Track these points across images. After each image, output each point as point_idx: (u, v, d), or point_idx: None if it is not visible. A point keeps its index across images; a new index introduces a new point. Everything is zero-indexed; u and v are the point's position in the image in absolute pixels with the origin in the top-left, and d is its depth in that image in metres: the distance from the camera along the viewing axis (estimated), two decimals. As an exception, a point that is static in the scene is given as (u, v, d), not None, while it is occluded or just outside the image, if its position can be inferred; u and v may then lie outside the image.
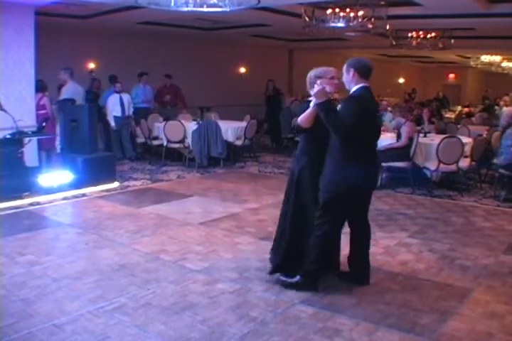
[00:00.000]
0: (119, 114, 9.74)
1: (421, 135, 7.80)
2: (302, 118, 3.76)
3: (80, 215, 6.33)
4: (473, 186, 7.96)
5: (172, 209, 6.38)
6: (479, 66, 17.54)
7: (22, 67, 7.35)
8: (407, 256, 4.79)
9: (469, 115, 14.37)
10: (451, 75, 24.72)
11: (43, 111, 8.06)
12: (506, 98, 13.75)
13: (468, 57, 17.04)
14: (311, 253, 3.79)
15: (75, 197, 6.94)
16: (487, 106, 16.48)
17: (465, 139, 7.78)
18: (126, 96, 9.89)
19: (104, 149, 10.04)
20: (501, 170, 7.17)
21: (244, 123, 9.84)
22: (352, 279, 4.05)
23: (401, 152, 7.39)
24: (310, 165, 3.83)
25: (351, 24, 8.02)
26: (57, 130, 8.36)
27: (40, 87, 7.99)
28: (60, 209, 6.37)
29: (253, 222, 5.85)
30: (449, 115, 15.23)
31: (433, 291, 3.97)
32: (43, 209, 6.28)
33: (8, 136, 6.52)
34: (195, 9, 5.42)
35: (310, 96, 3.94)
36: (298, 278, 3.88)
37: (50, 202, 6.61)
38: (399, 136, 7.62)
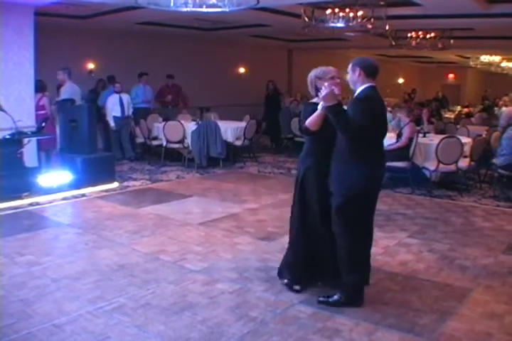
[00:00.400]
0: (118, 114, 9.74)
1: (420, 135, 7.79)
2: (310, 122, 3.68)
3: (79, 215, 6.33)
4: (473, 186, 7.96)
5: (171, 210, 6.38)
6: (479, 66, 17.55)
7: (21, 67, 7.35)
8: (407, 256, 4.80)
9: (469, 115, 14.37)
10: (451, 75, 24.74)
11: (43, 112, 8.06)
12: (506, 98, 13.73)
13: (468, 57, 17.05)
14: (344, 265, 3.62)
15: (75, 197, 6.94)
16: (486, 106, 16.49)
17: (464, 139, 7.77)
18: (125, 97, 9.89)
19: (104, 149, 10.05)
20: (501, 171, 7.18)
21: (243, 124, 9.84)
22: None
23: (400, 152, 7.38)
24: (316, 165, 3.78)
25: (351, 24, 8.03)
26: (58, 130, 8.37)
27: (39, 87, 7.99)
28: (59, 209, 6.37)
29: (252, 222, 5.85)
30: (449, 115, 15.22)
31: (432, 291, 3.97)
32: (43, 210, 6.28)
33: (7, 137, 6.53)
34: (194, 9, 5.42)
35: (313, 97, 3.91)
36: (337, 295, 3.68)
37: (50, 202, 6.61)
38: (399, 136, 7.61)
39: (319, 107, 3.60)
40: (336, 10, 7.99)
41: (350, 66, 3.64)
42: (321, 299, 3.73)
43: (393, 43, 11.15)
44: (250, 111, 12.19)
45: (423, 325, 3.41)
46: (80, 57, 11.03)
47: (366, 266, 3.79)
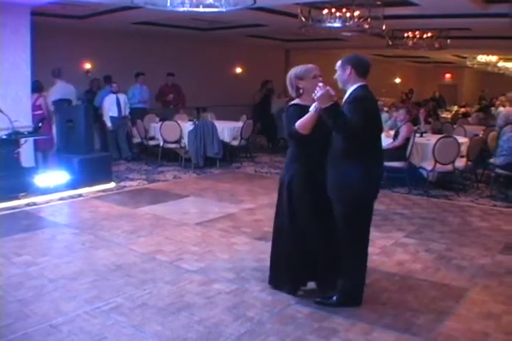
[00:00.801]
0: (115, 114, 9.72)
1: (417, 135, 7.81)
2: (302, 125, 3.44)
3: (76, 215, 6.32)
4: (470, 186, 7.97)
5: (168, 210, 6.38)
6: (475, 66, 17.55)
7: (18, 68, 7.33)
8: (404, 256, 4.80)
9: (465, 115, 14.38)
10: (448, 75, 24.76)
11: (39, 112, 8.06)
12: (502, 98, 13.80)
13: (465, 57, 17.06)
14: (348, 268, 3.58)
15: (72, 197, 6.93)
16: (483, 106, 16.52)
17: (461, 139, 7.79)
18: (122, 97, 9.87)
19: (101, 149, 10.05)
20: (500, 170, 7.19)
21: (240, 124, 9.84)
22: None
23: (397, 152, 7.39)
24: (300, 173, 3.62)
25: (347, 24, 8.02)
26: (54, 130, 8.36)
27: (36, 88, 7.98)
28: (56, 209, 6.36)
29: (249, 222, 5.85)
30: (446, 115, 15.25)
31: (429, 291, 3.97)
32: (40, 210, 6.27)
33: (4, 137, 6.52)
34: (191, 9, 5.41)
35: (293, 99, 3.74)
36: (336, 296, 3.66)
37: (47, 202, 6.60)
38: (396, 136, 7.62)
39: (311, 109, 3.42)
40: (333, 10, 7.99)
41: (339, 63, 3.50)
42: (318, 300, 3.72)
43: (390, 43, 11.15)
44: (247, 111, 12.18)
45: (420, 325, 3.41)
46: (76, 57, 10.99)
47: None
